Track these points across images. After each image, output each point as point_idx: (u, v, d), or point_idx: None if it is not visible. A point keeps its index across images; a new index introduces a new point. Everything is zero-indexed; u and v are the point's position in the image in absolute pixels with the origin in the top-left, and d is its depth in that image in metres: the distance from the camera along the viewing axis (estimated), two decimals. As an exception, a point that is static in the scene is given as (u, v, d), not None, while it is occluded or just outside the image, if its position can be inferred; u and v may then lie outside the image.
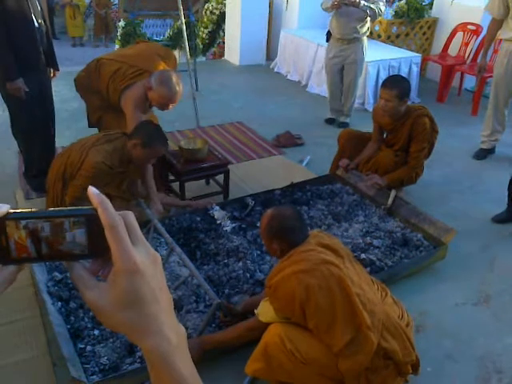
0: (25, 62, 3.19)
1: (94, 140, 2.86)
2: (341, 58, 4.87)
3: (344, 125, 5.05)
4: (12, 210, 0.49)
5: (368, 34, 4.87)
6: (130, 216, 0.52)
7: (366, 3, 4.51)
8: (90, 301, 0.50)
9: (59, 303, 2.46)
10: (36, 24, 3.21)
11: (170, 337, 0.51)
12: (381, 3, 4.61)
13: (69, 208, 0.50)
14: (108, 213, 0.49)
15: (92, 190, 0.50)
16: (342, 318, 1.90)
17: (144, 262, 0.50)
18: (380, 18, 4.80)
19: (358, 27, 4.68)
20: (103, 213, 0.49)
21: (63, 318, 2.37)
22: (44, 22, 3.34)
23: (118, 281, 0.49)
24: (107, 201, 0.49)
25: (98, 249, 0.50)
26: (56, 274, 2.62)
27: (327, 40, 4.99)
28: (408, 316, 2.19)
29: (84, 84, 3.40)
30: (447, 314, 2.69)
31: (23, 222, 0.49)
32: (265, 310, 2.05)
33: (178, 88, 3.06)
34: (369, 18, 4.67)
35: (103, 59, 3.32)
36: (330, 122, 5.23)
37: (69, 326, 2.33)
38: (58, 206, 2.83)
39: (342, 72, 4.97)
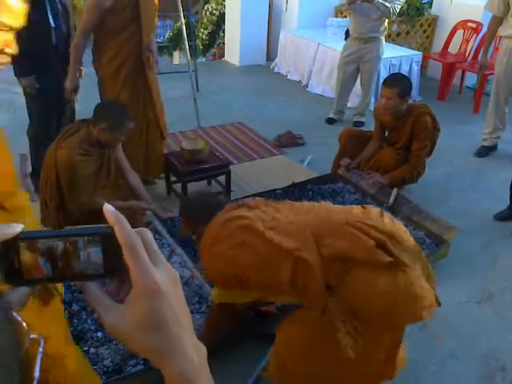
0: (38, 61, 3.24)
1: (56, 142, 2.78)
2: (357, 56, 4.89)
3: (359, 124, 5.07)
4: (25, 230, 0.47)
5: (386, 33, 4.90)
6: (148, 233, 0.50)
7: (380, 0, 4.51)
8: (110, 325, 0.48)
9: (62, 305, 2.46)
10: (52, 24, 3.23)
11: (193, 358, 0.50)
12: (397, 3, 4.62)
13: (83, 226, 0.49)
14: (125, 231, 0.47)
15: (108, 208, 0.48)
16: (272, 259, 1.78)
17: (165, 282, 0.48)
18: (394, 17, 4.82)
19: (376, 26, 4.70)
20: (120, 231, 0.47)
21: (66, 321, 2.37)
22: (66, 23, 3.35)
23: (138, 302, 0.47)
24: (123, 218, 0.48)
25: (114, 268, 0.49)
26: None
27: (345, 39, 5.06)
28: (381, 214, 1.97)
29: None
30: (450, 312, 2.68)
31: (36, 242, 0.47)
32: (215, 291, 2.03)
33: None
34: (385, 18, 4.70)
35: None
36: (330, 121, 5.23)
37: (72, 329, 2.33)
38: (47, 212, 2.83)
39: (356, 73, 4.99)
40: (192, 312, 2.47)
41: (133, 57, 3.31)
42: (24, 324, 0.46)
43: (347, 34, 5.03)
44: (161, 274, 0.48)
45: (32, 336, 0.45)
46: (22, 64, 3.24)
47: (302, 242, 1.75)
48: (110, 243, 0.48)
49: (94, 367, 2.17)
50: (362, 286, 1.69)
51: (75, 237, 0.48)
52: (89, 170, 2.73)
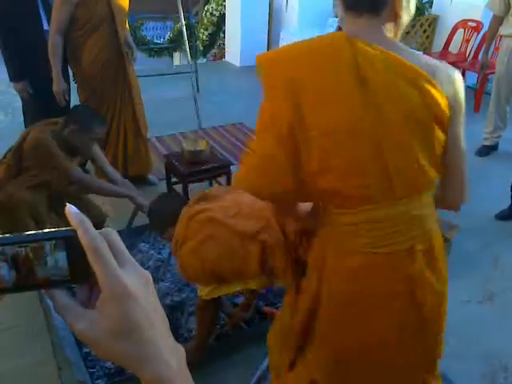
0: (30, 65, 3.22)
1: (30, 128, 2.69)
2: None
3: None
4: None
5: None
6: (113, 234, 0.48)
7: None
8: (81, 333, 0.46)
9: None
10: (46, 27, 3.22)
11: (170, 361, 0.48)
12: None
13: (46, 231, 0.46)
14: (89, 234, 0.45)
15: (71, 209, 0.46)
16: (238, 246, 1.78)
17: (135, 285, 0.46)
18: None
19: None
20: (83, 234, 0.45)
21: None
22: None
23: (108, 308, 0.45)
24: (87, 220, 0.46)
25: (80, 273, 0.46)
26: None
27: None
28: None
29: None
30: (451, 311, 2.65)
31: None
32: (199, 290, 2.03)
33: None
34: None
35: None
36: None
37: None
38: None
39: None
40: (192, 314, 2.46)
41: (111, 52, 3.30)
42: None
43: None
44: (130, 276, 0.46)
45: None
46: (15, 68, 3.23)
47: (264, 223, 1.73)
48: (74, 247, 0.45)
49: (95, 369, 2.18)
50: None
51: (39, 242, 0.45)
52: (61, 156, 2.62)
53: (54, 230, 0.46)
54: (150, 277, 0.50)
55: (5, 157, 2.68)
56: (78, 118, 2.68)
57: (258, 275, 1.79)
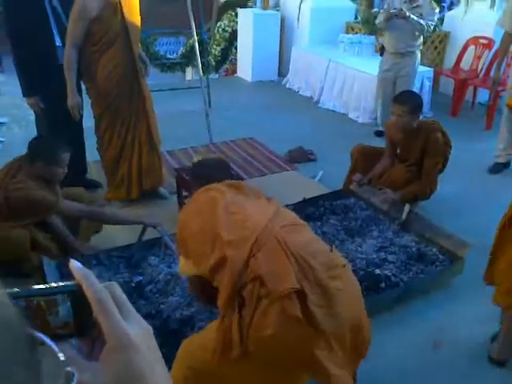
0: (42, 80, 3.26)
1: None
2: (394, 71, 4.97)
3: None
4: None
5: (421, 47, 5.01)
6: (116, 288, 0.50)
7: (414, 17, 4.62)
8: None
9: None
10: (58, 43, 3.26)
11: None
12: (431, 20, 4.74)
13: (50, 286, 0.47)
14: (94, 287, 0.47)
15: (74, 264, 0.47)
16: (210, 239, 1.71)
17: (138, 336, 0.48)
18: (427, 34, 4.93)
19: (410, 41, 4.80)
20: (88, 288, 0.46)
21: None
22: None
23: (113, 359, 0.46)
24: (91, 273, 0.47)
25: (84, 326, 0.47)
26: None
27: (381, 54, 5.20)
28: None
29: None
30: (465, 330, 2.64)
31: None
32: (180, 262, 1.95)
33: None
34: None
35: None
36: (379, 134, 5.21)
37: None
38: None
39: (394, 87, 5.04)
40: (202, 328, 2.45)
41: (126, 67, 3.33)
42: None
43: (382, 49, 5.16)
44: (133, 327, 0.48)
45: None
46: (27, 84, 3.27)
47: (240, 240, 1.65)
48: (78, 300, 0.46)
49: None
50: (268, 326, 1.54)
51: (43, 296, 0.46)
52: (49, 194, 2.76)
53: (59, 284, 0.47)
54: (151, 329, 0.51)
55: None
56: (39, 153, 2.73)
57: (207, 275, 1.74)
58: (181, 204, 3.63)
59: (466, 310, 2.79)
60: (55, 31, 3.25)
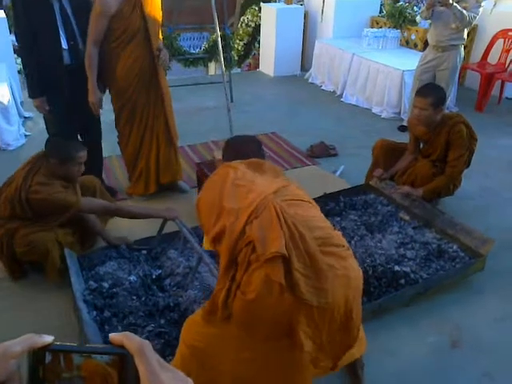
0: (47, 82, 3.29)
1: (23, 179, 2.77)
2: (433, 64, 4.84)
3: None
4: (55, 342, 0.49)
5: (465, 42, 4.86)
6: (150, 347, 0.52)
7: (457, 5, 4.47)
8: None
9: (94, 312, 2.51)
10: (65, 45, 3.25)
11: None
12: (474, 12, 4.58)
13: (104, 346, 0.51)
14: (136, 340, 0.50)
15: (113, 336, 0.51)
16: (217, 209, 1.74)
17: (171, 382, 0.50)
18: (469, 26, 4.80)
19: (454, 34, 4.67)
20: (130, 340, 0.50)
21: (98, 327, 2.41)
22: (85, 43, 3.29)
23: None
24: (130, 333, 0.51)
25: None
26: (91, 283, 2.68)
27: (424, 48, 5.13)
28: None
29: None
30: (485, 329, 2.60)
31: (62, 355, 0.49)
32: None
33: None
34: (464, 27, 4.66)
35: None
36: (403, 129, 5.14)
37: (103, 335, 2.37)
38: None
39: (433, 82, 4.95)
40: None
41: (145, 62, 3.36)
42: None
43: (426, 43, 5.07)
44: (167, 375, 0.50)
45: None
46: (32, 85, 3.30)
47: (240, 209, 1.68)
48: (126, 364, 0.49)
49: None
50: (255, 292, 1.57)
51: (96, 353, 0.49)
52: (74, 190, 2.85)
53: (110, 346, 0.50)
54: (191, 381, 0.53)
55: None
56: (54, 151, 2.81)
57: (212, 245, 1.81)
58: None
59: (487, 309, 2.74)
60: (62, 33, 3.26)
